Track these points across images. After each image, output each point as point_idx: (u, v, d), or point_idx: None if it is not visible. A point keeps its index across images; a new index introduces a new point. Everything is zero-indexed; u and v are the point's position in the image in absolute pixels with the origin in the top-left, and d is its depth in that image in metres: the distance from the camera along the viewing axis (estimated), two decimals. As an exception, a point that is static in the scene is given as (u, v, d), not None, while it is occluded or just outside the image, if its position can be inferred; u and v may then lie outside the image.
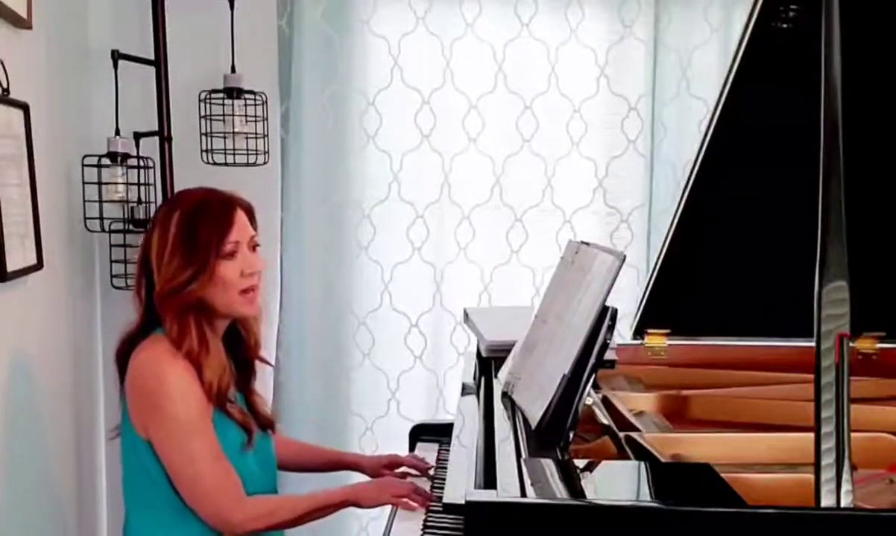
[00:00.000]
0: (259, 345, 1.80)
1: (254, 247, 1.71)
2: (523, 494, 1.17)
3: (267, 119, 2.60)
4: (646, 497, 1.27)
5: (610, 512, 1.14)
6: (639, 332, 2.12)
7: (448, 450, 1.86)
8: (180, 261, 1.62)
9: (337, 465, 2.01)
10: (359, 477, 1.97)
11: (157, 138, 2.53)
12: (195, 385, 1.61)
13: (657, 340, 2.11)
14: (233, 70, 2.54)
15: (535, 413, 1.48)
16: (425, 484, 1.82)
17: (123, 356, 1.68)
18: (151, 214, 2.54)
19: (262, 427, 1.76)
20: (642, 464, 1.37)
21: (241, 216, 1.69)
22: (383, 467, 1.92)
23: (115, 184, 2.46)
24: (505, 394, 1.69)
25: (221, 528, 1.64)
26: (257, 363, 1.82)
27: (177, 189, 2.54)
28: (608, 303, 1.46)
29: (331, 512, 1.71)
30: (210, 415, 1.63)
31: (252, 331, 1.78)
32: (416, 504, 1.65)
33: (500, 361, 1.87)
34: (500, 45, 2.81)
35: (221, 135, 2.56)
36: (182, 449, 1.60)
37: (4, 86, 1.89)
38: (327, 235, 2.84)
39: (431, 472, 1.91)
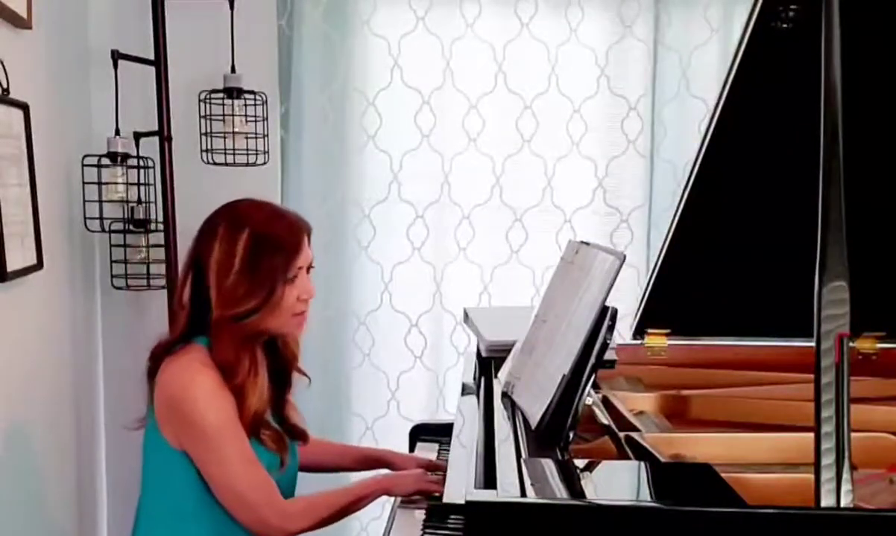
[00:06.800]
0: (297, 358, 1.77)
1: (309, 269, 1.67)
2: (523, 494, 1.17)
3: (267, 119, 2.61)
4: (646, 497, 1.27)
5: (610, 512, 1.14)
6: (639, 332, 2.12)
7: (448, 450, 1.86)
8: (246, 289, 1.58)
9: (369, 462, 1.97)
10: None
11: (157, 138, 2.54)
12: (223, 391, 1.58)
13: (657, 340, 2.11)
14: (233, 70, 2.55)
15: (535, 413, 1.48)
16: None
17: (155, 361, 1.64)
18: (151, 214, 2.55)
19: (293, 438, 1.75)
20: (642, 464, 1.36)
21: (305, 240, 1.66)
22: (420, 468, 1.86)
23: (115, 184, 2.47)
24: (505, 394, 1.68)
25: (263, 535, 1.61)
26: (294, 375, 1.79)
27: (177, 189, 2.54)
28: (608, 303, 1.46)
29: (366, 504, 1.70)
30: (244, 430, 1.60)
31: (291, 346, 1.75)
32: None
33: (500, 361, 1.86)
34: (500, 45, 2.81)
35: (221, 135, 2.57)
36: (215, 455, 1.57)
37: (4, 86, 1.89)
38: (327, 235, 2.84)
39: None
